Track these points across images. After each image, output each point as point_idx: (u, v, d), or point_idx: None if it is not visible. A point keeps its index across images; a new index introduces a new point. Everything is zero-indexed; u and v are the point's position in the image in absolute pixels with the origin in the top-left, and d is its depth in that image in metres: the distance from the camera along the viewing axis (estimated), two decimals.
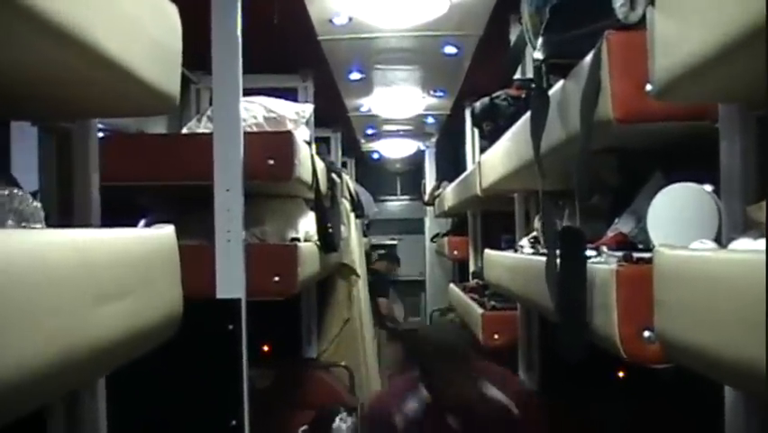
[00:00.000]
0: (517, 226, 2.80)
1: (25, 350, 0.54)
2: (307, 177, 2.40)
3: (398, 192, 10.20)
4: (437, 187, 6.38)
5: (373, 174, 9.16)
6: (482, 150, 3.43)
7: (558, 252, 1.30)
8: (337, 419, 3.55)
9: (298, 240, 2.45)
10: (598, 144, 1.38)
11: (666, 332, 0.93)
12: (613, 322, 1.16)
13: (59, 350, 0.60)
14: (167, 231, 0.96)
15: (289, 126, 2.42)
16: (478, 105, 2.49)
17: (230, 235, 2.06)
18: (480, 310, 3.34)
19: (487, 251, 2.84)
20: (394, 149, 7.73)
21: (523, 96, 2.30)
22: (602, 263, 1.25)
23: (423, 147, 7.63)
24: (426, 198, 7.13)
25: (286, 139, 2.18)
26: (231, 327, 2.05)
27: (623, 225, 1.37)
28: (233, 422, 2.04)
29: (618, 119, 1.17)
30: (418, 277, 9.03)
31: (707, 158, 1.11)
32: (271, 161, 2.13)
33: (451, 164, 6.26)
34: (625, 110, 1.16)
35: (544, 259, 1.61)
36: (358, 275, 4.19)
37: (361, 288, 4.46)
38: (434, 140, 7.17)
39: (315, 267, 2.59)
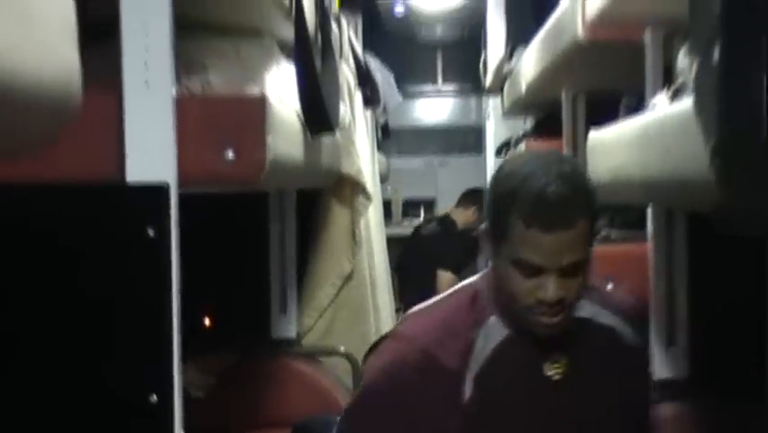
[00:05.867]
0: (649, 82, 2.84)
1: None
2: None
3: (439, 79, 10.27)
4: (508, 58, 6.40)
5: (395, 47, 9.20)
6: None
7: (717, 44, 1.34)
8: None
9: None
10: None
11: None
12: None
13: None
14: None
15: None
16: None
17: (149, 75, 2.11)
18: None
19: (592, 133, 2.89)
20: None
21: None
22: None
23: None
24: (489, 79, 7.19)
25: None
26: (151, 232, 2.10)
27: None
28: (154, 397, 2.11)
29: None
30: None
31: None
32: None
33: (531, 18, 6.24)
34: None
35: (689, 105, 1.68)
36: (368, 196, 4.24)
37: (373, 220, 4.51)
38: None
39: (296, 151, 2.66)
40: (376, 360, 2.61)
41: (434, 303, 2.61)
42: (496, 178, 2.44)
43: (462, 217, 7.84)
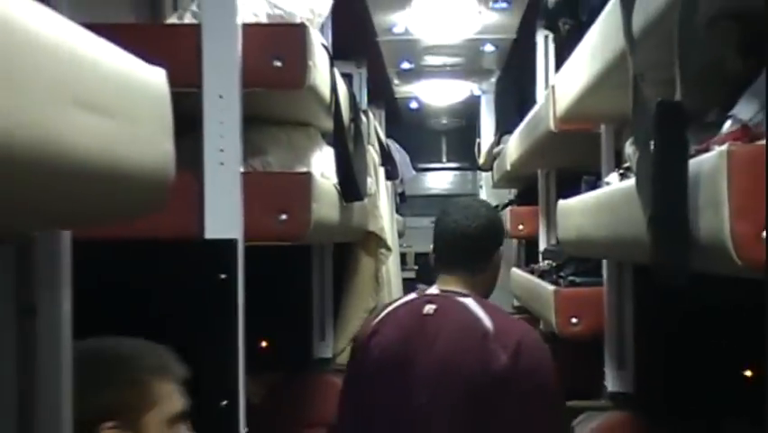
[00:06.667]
0: (604, 164, 2.86)
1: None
2: (324, 89, 2.48)
3: (444, 158, 10.29)
4: (497, 143, 6.44)
5: (410, 133, 9.22)
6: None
7: (652, 139, 1.37)
8: None
9: None
10: (712, 3, 1.45)
11: None
12: (723, 218, 1.23)
13: (27, 133, 0.68)
14: (158, 71, 1.04)
15: None
16: None
17: (223, 157, 2.15)
18: (551, 288, 3.41)
19: (561, 202, 2.92)
20: (438, 94, 7.80)
21: None
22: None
23: (478, 91, 7.71)
24: (482, 159, 7.19)
25: (297, 34, 2.26)
26: (223, 276, 2.12)
27: (741, 111, 1.43)
28: (225, 402, 2.13)
29: None
30: None
31: None
32: (278, 63, 2.21)
33: (515, 112, 6.30)
34: None
35: (633, 183, 1.70)
36: (389, 248, 4.26)
37: (392, 268, 4.53)
38: (493, 80, 7.23)
39: (334, 213, 2.68)
40: (542, 348, 2.53)
41: (491, 308, 2.59)
42: (496, 220, 2.81)
43: None
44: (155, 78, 1.03)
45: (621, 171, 2.32)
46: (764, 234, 1.21)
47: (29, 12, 0.72)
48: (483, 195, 8.39)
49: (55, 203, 0.81)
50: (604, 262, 3.07)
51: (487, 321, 2.50)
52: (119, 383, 1.70)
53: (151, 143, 0.98)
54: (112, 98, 0.85)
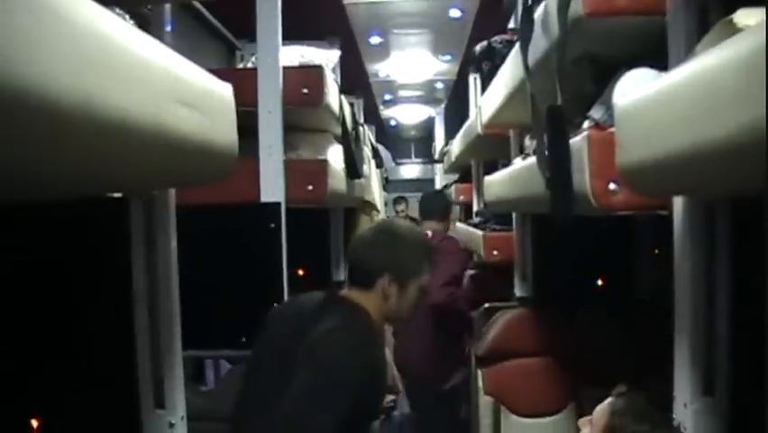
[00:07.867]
0: (512, 153, 2.86)
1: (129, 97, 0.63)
2: (335, 107, 2.46)
3: (412, 156, 10.27)
4: (446, 145, 6.41)
5: (390, 140, 9.18)
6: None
7: (545, 131, 1.37)
8: None
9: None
10: (575, 49, 1.45)
11: (627, 163, 1.00)
12: (586, 179, 1.24)
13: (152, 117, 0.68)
14: (227, 86, 1.04)
15: None
16: (478, 48, 2.55)
17: (271, 150, 2.15)
18: (480, 233, 3.41)
19: (486, 177, 2.91)
20: (408, 115, 7.77)
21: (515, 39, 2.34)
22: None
23: (433, 114, 7.67)
24: (437, 155, 7.16)
25: (317, 72, 2.25)
26: (272, 225, 2.13)
27: (594, 113, 1.44)
28: (275, 305, 2.12)
29: (588, 13, 1.24)
30: None
31: (662, 57, 1.18)
32: (305, 90, 2.20)
33: (457, 125, 6.26)
34: (593, 4, 1.23)
35: (532, 160, 1.70)
36: (378, 210, 4.26)
37: None
38: (443, 106, 7.19)
39: (342, 187, 2.65)
40: (449, 238, 3.49)
41: (440, 233, 3.52)
42: (448, 198, 3.29)
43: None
44: (225, 90, 1.04)
45: (522, 157, 2.32)
46: (610, 186, 1.22)
47: (160, 54, 0.73)
48: (438, 178, 8.39)
49: (163, 168, 0.82)
50: (513, 214, 3.07)
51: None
52: (408, 253, 1.68)
53: (223, 130, 0.98)
54: (199, 99, 0.85)
